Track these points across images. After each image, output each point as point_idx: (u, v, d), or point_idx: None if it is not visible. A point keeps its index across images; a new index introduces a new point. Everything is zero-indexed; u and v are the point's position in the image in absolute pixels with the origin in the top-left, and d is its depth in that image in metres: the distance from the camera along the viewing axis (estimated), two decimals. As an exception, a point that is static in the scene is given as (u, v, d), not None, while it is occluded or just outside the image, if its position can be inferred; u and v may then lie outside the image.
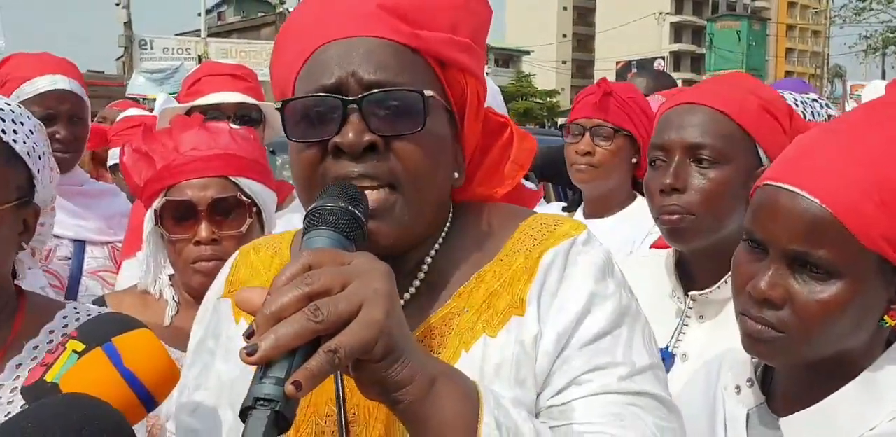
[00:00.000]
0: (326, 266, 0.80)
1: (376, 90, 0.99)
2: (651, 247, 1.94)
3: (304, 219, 0.93)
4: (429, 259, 1.08)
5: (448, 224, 1.11)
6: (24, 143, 1.32)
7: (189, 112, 2.66)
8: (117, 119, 4.03)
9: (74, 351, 1.13)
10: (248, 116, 2.66)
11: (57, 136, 2.44)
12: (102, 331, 1.11)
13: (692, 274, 1.73)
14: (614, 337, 1.01)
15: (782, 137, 1.65)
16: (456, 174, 1.08)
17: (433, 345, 1.02)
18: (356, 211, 0.93)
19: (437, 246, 1.09)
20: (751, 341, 1.20)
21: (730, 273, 1.62)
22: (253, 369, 1.08)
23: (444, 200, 1.09)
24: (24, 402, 1.22)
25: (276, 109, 1.04)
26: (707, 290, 1.67)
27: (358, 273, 0.80)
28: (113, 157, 3.63)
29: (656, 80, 4.18)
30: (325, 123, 0.99)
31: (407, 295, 1.06)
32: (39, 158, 1.35)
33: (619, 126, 2.63)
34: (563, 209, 2.87)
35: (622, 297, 1.05)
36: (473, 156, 1.14)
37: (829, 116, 2.76)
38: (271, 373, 0.75)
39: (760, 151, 1.65)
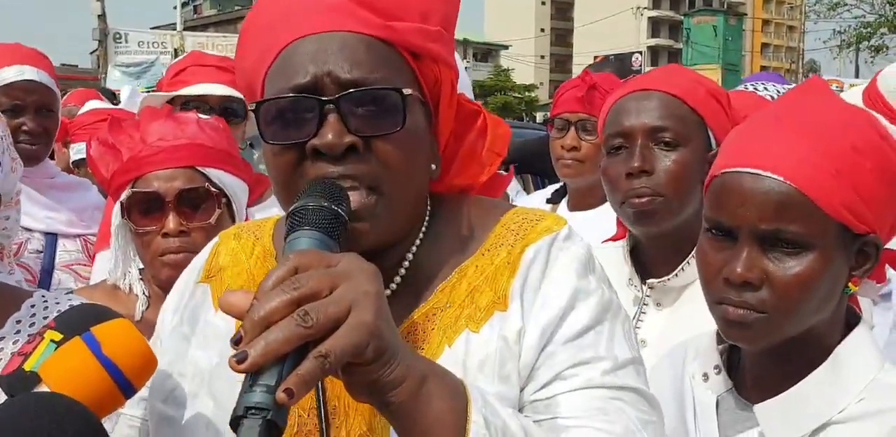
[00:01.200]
0: (313, 269, 0.79)
1: (354, 89, 0.97)
2: (604, 242, 1.94)
3: (286, 219, 0.91)
4: (410, 255, 1.07)
5: (427, 218, 1.10)
6: None
7: (172, 101, 2.63)
8: (79, 112, 3.89)
9: (52, 341, 1.12)
10: (231, 109, 2.63)
11: (24, 127, 2.40)
12: (81, 321, 1.11)
13: (647, 262, 1.75)
14: (597, 333, 1.01)
15: (726, 121, 1.71)
16: (433, 166, 1.07)
17: (416, 341, 1.02)
18: (339, 210, 0.91)
19: (417, 242, 1.08)
20: (733, 328, 1.21)
21: (686, 260, 1.65)
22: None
23: (423, 193, 1.08)
24: None
25: (251, 109, 1.01)
26: (665, 278, 1.69)
27: (346, 275, 0.79)
28: (78, 152, 3.56)
29: (622, 69, 4.22)
30: (301, 124, 0.97)
31: (388, 292, 1.04)
32: None
33: None
34: (547, 201, 2.87)
35: (604, 292, 1.05)
36: (448, 146, 1.13)
37: (779, 92, 2.84)
38: (261, 381, 0.74)
39: (710, 134, 1.70)
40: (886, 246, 1.24)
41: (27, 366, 1.14)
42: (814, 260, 1.16)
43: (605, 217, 2.59)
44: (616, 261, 1.76)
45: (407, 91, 0.99)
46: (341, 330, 0.75)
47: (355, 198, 0.96)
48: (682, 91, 1.69)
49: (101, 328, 1.06)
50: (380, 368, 0.79)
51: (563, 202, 2.81)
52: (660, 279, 1.69)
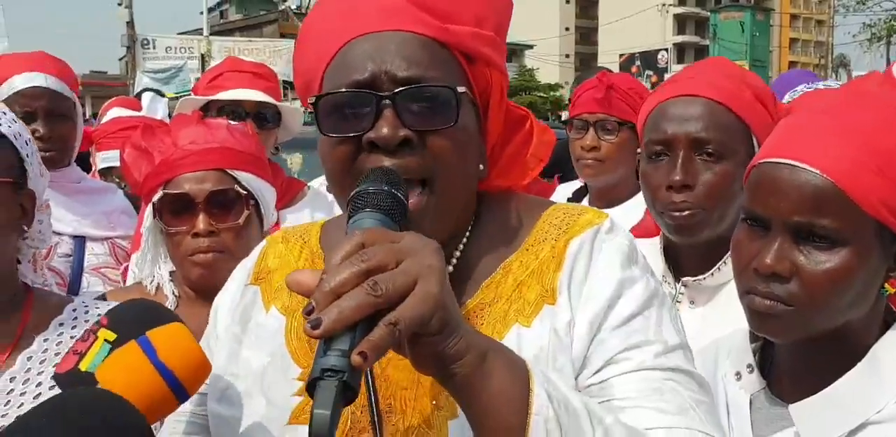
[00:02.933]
0: (379, 244, 0.81)
1: (410, 86, 1.00)
2: (634, 234, 1.93)
3: (348, 204, 0.94)
4: (457, 253, 1.10)
5: (475, 216, 1.13)
6: (10, 127, 1.33)
7: (208, 105, 2.67)
8: (102, 120, 3.92)
9: (106, 340, 1.15)
10: (265, 116, 2.66)
11: (36, 134, 2.40)
12: (135, 322, 1.12)
13: (681, 260, 1.73)
14: (645, 318, 1.03)
15: (771, 124, 1.64)
16: (481, 166, 1.10)
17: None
18: (398, 193, 0.94)
19: (464, 239, 1.11)
20: (760, 319, 1.20)
21: (723, 260, 1.63)
22: (284, 357, 1.07)
23: (472, 191, 1.11)
24: (38, 392, 1.26)
25: (311, 103, 1.05)
26: (700, 276, 1.67)
27: (411, 250, 0.81)
28: (104, 160, 3.59)
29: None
30: (358, 118, 1.01)
31: None
32: (27, 144, 1.37)
33: (623, 118, 2.62)
34: (568, 200, 2.87)
35: (649, 280, 1.07)
36: (494, 148, 1.15)
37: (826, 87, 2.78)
38: (335, 346, 0.76)
39: (755, 141, 1.65)
40: None
41: (83, 366, 1.19)
42: (846, 256, 1.15)
43: (627, 216, 2.59)
44: (650, 258, 1.74)
45: (461, 89, 1.02)
46: (409, 300, 0.78)
47: (409, 194, 0.98)
48: (727, 97, 1.64)
49: (157, 333, 1.08)
50: (444, 339, 0.81)
51: (585, 201, 2.81)
52: (695, 278, 1.68)
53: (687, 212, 1.63)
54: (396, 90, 1.00)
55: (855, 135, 1.16)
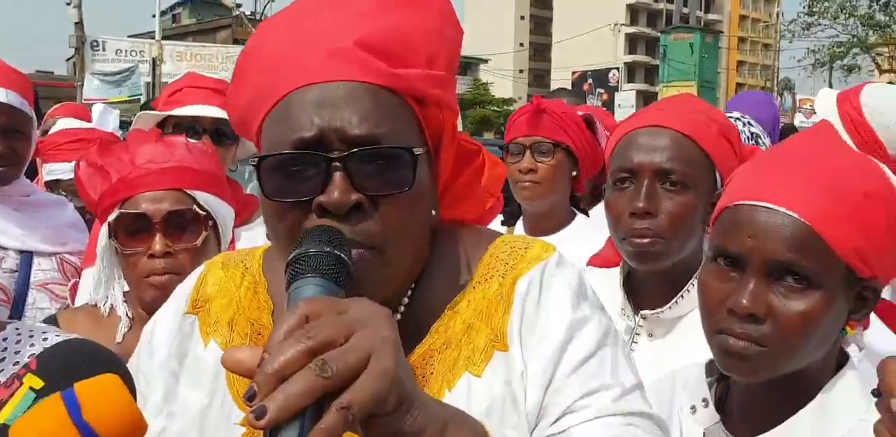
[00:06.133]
0: (325, 316, 0.75)
1: (363, 148, 0.94)
2: (588, 265, 1.96)
3: (287, 268, 0.86)
4: (406, 300, 1.05)
5: (426, 260, 1.08)
6: None
7: (165, 121, 2.64)
8: (50, 130, 3.78)
9: (32, 388, 1.05)
10: (223, 132, 2.63)
11: None
12: (65, 369, 1.03)
13: (640, 293, 1.76)
14: (599, 359, 1.01)
15: (735, 161, 1.70)
16: (434, 212, 1.05)
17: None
18: (342, 255, 0.88)
19: (413, 284, 1.06)
20: (731, 359, 1.22)
21: (680, 294, 1.66)
22: (225, 399, 1.01)
23: (425, 243, 1.06)
24: None
25: (252, 164, 0.97)
26: (659, 309, 1.70)
27: (360, 321, 0.75)
28: (51, 173, 3.50)
29: (575, 97, 4.35)
30: (306, 181, 0.94)
31: None
32: None
33: (557, 141, 2.66)
34: (502, 223, 2.88)
35: (600, 319, 1.04)
36: (445, 183, 1.11)
37: (752, 134, 2.85)
38: (282, 436, 0.70)
39: (718, 175, 1.69)
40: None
41: (1, 417, 1.07)
42: (819, 299, 1.18)
43: (566, 242, 2.61)
44: (608, 290, 1.76)
45: (418, 151, 0.97)
46: (362, 379, 0.71)
47: (356, 257, 0.93)
48: (695, 131, 1.67)
49: (86, 386, 0.97)
50: (402, 417, 0.75)
51: (520, 224, 2.83)
52: (654, 311, 1.70)
53: (648, 239, 1.65)
54: (348, 152, 0.93)
55: (827, 181, 1.20)
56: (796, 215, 1.18)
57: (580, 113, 3.84)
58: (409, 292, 1.05)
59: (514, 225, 2.84)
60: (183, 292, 1.15)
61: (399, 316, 1.04)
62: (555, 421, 0.98)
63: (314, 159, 0.94)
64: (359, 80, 0.97)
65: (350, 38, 0.98)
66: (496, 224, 2.84)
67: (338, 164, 0.93)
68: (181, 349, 1.10)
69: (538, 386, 0.98)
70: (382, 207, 0.95)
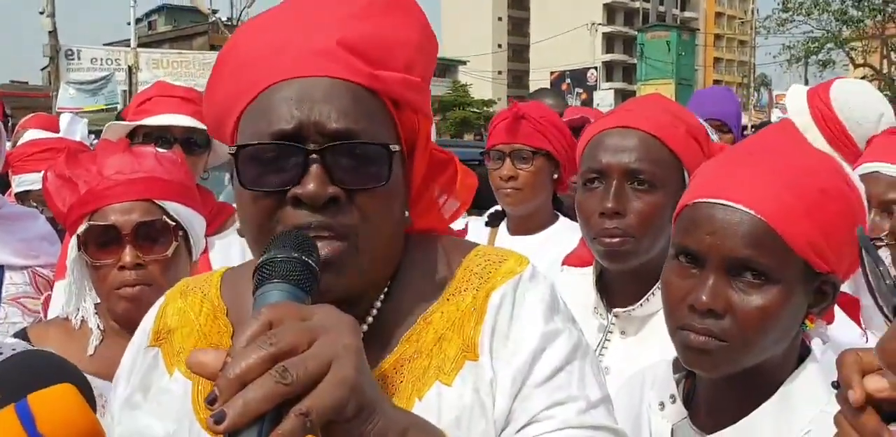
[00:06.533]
0: (288, 323, 0.76)
1: (341, 142, 0.95)
2: (564, 264, 1.98)
3: (255, 273, 0.87)
4: (378, 303, 1.06)
5: (398, 263, 1.09)
6: None
7: (135, 130, 2.63)
8: (18, 142, 3.75)
9: None
10: (194, 141, 2.62)
11: None
12: (18, 381, 1.01)
13: (612, 292, 1.78)
14: (568, 373, 1.02)
15: (702, 160, 1.71)
16: (406, 213, 1.07)
17: (384, 393, 0.99)
18: (309, 261, 0.88)
19: (385, 289, 1.07)
20: (692, 354, 1.24)
21: (651, 291, 1.68)
22: (192, 426, 1.01)
23: (398, 243, 1.08)
24: None
25: (230, 153, 0.98)
26: (630, 307, 1.72)
27: (323, 328, 0.76)
28: (21, 184, 3.47)
29: (557, 98, 4.34)
30: (283, 172, 0.95)
31: None
32: None
33: (537, 147, 2.68)
34: (486, 224, 2.91)
35: (571, 332, 1.05)
36: (417, 191, 1.12)
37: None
38: None
39: (686, 174, 1.71)
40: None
41: None
42: (776, 294, 1.20)
43: (545, 245, 2.65)
44: (583, 288, 1.79)
45: (394, 148, 0.99)
46: (322, 386, 0.72)
47: (327, 248, 0.94)
48: (662, 132, 1.69)
49: (40, 397, 0.94)
50: (361, 424, 0.77)
51: (503, 226, 2.85)
52: (625, 309, 1.72)
53: (617, 239, 1.68)
54: (326, 145, 0.95)
55: (782, 179, 1.22)
56: (753, 212, 1.20)
57: (577, 116, 3.85)
58: (382, 297, 1.06)
59: (497, 227, 2.86)
60: (144, 327, 1.16)
61: (371, 319, 1.05)
62: (520, 429, 0.99)
63: (292, 151, 0.95)
64: (339, 77, 0.99)
65: (333, 38, 1.00)
66: (480, 226, 2.87)
67: (315, 156, 0.95)
68: (145, 382, 1.10)
69: (507, 394, 1.00)
70: (358, 200, 0.96)
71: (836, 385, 0.99)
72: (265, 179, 0.97)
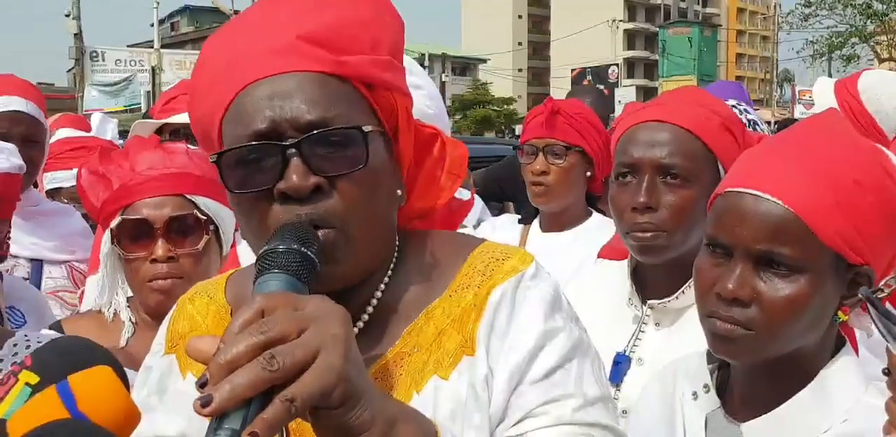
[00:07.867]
0: (280, 311, 0.78)
1: (314, 132, 0.96)
2: (599, 256, 1.98)
3: (256, 263, 0.90)
4: (378, 294, 1.07)
5: (395, 256, 1.10)
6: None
7: (162, 128, 2.67)
8: (49, 141, 3.83)
9: (27, 384, 1.06)
10: None
11: None
12: (58, 363, 1.05)
13: (647, 283, 1.78)
14: (566, 370, 1.02)
15: (738, 152, 1.70)
16: (399, 191, 1.07)
17: (385, 385, 1.02)
18: (309, 252, 0.90)
19: (385, 280, 1.08)
20: (719, 342, 1.24)
21: (687, 284, 1.68)
22: (204, 422, 1.05)
23: (391, 226, 1.08)
24: None
25: (212, 161, 1.00)
26: (666, 299, 1.72)
27: (314, 318, 0.78)
28: (52, 181, 3.53)
29: (595, 96, 4.30)
30: (265, 171, 0.97)
31: (355, 330, 1.03)
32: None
33: (571, 143, 2.68)
34: (519, 221, 2.91)
35: (572, 331, 1.05)
36: (409, 169, 1.12)
37: (750, 121, 2.83)
38: (226, 424, 0.73)
39: (720, 168, 1.70)
40: None
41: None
42: (804, 284, 1.19)
43: (577, 242, 2.66)
44: (618, 280, 1.79)
45: (367, 128, 0.99)
46: (308, 374, 0.75)
47: (323, 237, 0.96)
48: (696, 125, 1.68)
49: (79, 378, 0.98)
50: (347, 411, 0.78)
51: (536, 223, 2.85)
52: (661, 301, 1.72)
53: (650, 233, 1.68)
54: (300, 138, 0.96)
55: (815, 169, 1.20)
56: (780, 202, 1.19)
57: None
58: (382, 287, 1.07)
59: (530, 224, 2.86)
60: (159, 335, 1.19)
61: (371, 309, 1.06)
62: (514, 424, 1.00)
63: (270, 149, 0.97)
64: (305, 69, 0.99)
65: (292, 34, 1.01)
66: (513, 223, 2.87)
67: (292, 150, 0.96)
68: (161, 386, 1.13)
69: (503, 390, 1.00)
70: (341, 186, 0.98)
71: (886, 372, 0.99)
72: (250, 180, 0.98)
